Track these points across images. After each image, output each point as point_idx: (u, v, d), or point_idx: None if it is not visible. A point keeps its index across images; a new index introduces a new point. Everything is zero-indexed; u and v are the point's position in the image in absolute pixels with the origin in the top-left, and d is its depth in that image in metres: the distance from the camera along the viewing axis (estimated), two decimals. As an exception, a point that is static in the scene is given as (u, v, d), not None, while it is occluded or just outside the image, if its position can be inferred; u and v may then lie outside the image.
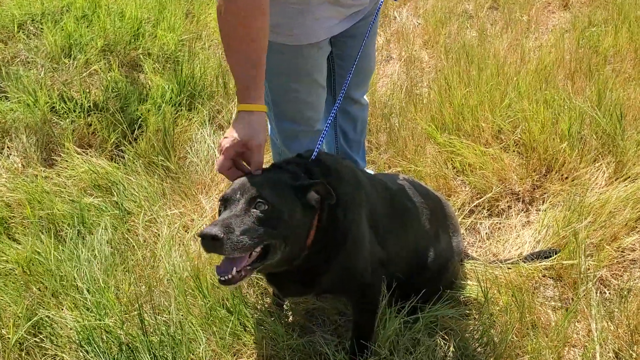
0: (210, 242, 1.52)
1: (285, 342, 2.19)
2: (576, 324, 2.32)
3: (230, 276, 1.58)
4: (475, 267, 2.52)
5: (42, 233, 2.56)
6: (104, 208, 2.74)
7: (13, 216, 2.70)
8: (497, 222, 2.90)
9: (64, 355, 2.08)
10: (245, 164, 1.82)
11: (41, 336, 2.14)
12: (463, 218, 2.87)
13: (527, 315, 2.25)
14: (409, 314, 2.21)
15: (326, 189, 1.75)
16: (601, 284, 2.53)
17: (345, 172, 1.97)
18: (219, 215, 1.67)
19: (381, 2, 2.32)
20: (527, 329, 2.22)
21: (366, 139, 3.21)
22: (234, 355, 2.18)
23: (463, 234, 2.83)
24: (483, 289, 2.26)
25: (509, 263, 2.53)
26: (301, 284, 1.92)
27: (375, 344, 2.08)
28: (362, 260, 1.97)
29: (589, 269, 2.49)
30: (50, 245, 2.42)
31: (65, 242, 2.57)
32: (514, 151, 3.22)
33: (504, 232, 2.86)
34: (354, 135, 2.77)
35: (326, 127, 2.03)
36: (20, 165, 3.26)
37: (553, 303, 2.40)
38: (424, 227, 2.22)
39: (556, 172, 3.11)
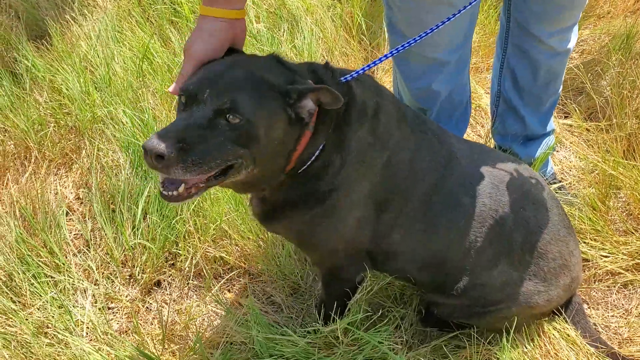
0: (155, 159, 1.16)
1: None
2: None
3: (176, 193, 1.25)
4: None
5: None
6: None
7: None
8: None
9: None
10: None
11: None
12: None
13: None
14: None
15: (330, 93, 1.25)
16: None
17: (380, 119, 1.42)
18: (177, 113, 1.30)
19: None
20: None
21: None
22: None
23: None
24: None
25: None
26: (259, 212, 1.52)
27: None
28: (336, 236, 1.50)
29: None
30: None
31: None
32: None
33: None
34: (530, 85, 1.98)
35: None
36: None
37: None
38: (470, 240, 1.56)
39: None
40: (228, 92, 1.21)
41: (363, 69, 1.40)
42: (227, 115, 1.20)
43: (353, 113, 1.38)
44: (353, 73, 1.39)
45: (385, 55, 1.47)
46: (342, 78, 1.38)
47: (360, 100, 1.39)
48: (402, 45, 1.46)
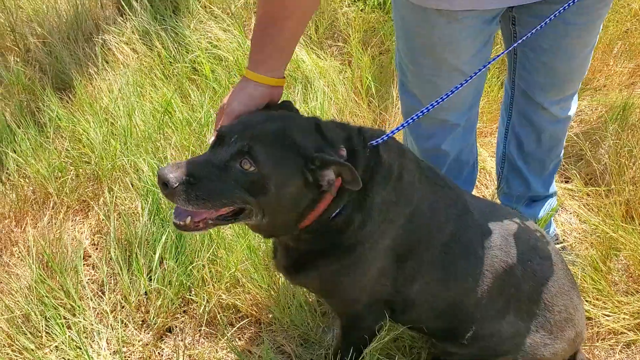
0: (161, 186, 1.28)
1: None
2: None
3: (183, 223, 1.36)
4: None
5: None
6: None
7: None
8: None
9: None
10: None
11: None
12: None
13: None
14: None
15: (352, 174, 1.32)
16: None
17: (403, 179, 1.51)
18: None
19: None
20: None
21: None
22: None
23: None
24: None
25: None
26: (285, 264, 1.60)
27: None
28: (358, 287, 1.57)
29: None
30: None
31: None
32: None
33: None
34: (533, 149, 2.09)
35: None
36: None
37: None
38: (483, 289, 1.62)
39: None
40: (251, 140, 1.30)
41: (389, 134, 1.48)
42: (242, 161, 1.29)
43: (378, 177, 1.46)
44: (383, 137, 1.46)
45: (407, 122, 1.56)
46: (371, 142, 1.46)
47: (386, 164, 1.48)
48: (420, 113, 1.54)
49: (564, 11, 1.54)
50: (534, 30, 1.55)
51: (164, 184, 1.26)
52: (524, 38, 1.58)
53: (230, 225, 2.14)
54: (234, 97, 1.41)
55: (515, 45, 1.66)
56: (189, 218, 1.35)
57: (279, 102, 1.50)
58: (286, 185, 1.33)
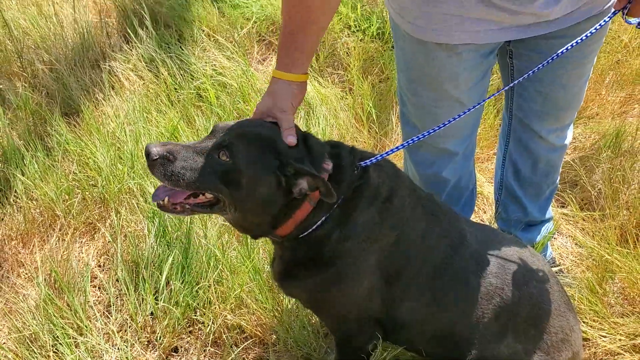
0: (146, 157, 1.41)
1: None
2: None
3: (162, 203, 1.48)
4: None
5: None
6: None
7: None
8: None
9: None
10: None
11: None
12: None
13: None
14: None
15: (325, 187, 1.41)
16: None
17: (393, 202, 1.57)
18: None
19: (598, 27, 1.63)
20: None
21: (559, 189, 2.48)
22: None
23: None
24: None
25: None
26: (278, 273, 1.66)
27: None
28: (345, 303, 1.62)
29: None
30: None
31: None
32: None
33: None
34: (529, 175, 2.16)
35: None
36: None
37: None
38: (478, 315, 1.67)
39: None
40: (234, 137, 1.43)
41: (382, 155, 1.56)
42: (221, 152, 1.41)
43: (363, 196, 1.53)
44: (372, 159, 1.55)
45: (402, 145, 1.65)
46: (361, 162, 1.54)
47: (374, 185, 1.55)
48: (417, 137, 1.63)
49: (562, 55, 1.61)
50: (531, 72, 1.63)
51: (147, 155, 1.39)
52: (523, 78, 1.66)
53: (235, 246, 2.21)
54: (264, 96, 1.54)
55: (514, 84, 1.74)
56: (167, 198, 1.47)
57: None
58: (257, 184, 1.43)
